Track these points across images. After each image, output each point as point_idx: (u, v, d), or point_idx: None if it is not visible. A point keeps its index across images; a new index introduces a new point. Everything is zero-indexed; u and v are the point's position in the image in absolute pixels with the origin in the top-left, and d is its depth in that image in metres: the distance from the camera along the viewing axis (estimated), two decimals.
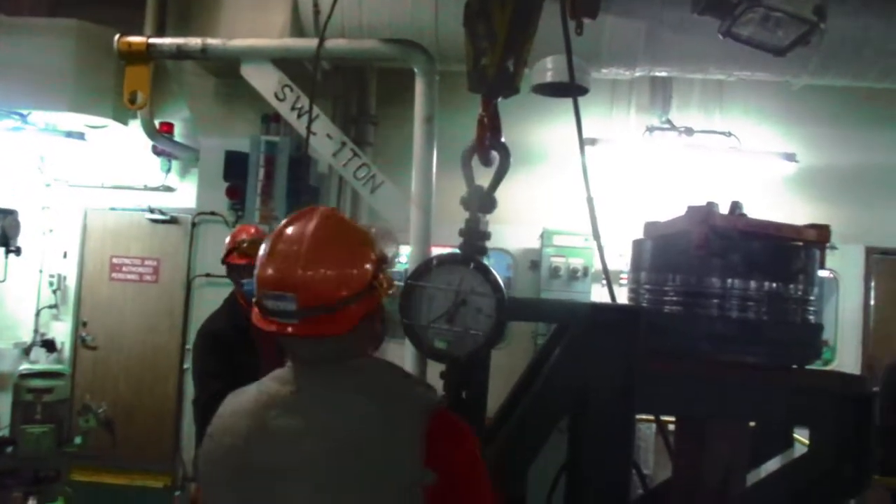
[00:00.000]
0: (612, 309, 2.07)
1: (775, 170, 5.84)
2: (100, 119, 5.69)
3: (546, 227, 6.00)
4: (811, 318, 2.20)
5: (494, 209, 2.11)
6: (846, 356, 6.31)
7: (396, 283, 1.66)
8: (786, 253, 2.20)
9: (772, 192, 5.96)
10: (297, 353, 1.56)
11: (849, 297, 6.35)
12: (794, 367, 2.17)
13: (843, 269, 6.23)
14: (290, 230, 1.52)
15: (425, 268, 2.01)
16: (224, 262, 3.52)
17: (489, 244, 2.09)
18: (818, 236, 2.30)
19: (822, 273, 2.57)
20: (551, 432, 2.16)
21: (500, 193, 2.14)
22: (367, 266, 1.52)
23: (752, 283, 2.14)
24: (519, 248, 6.23)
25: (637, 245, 2.45)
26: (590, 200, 2.48)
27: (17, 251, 4.55)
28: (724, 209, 2.26)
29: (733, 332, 2.11)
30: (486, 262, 2.04)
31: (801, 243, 2.24)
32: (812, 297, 2.23)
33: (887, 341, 6.51)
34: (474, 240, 2.04)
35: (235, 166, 5.12)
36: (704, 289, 2.17)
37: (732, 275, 2.16)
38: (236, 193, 5.19)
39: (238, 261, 3.44)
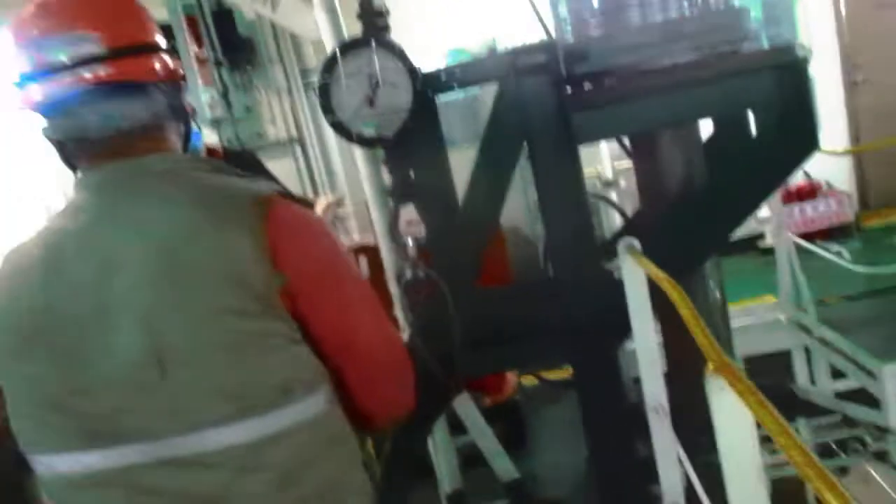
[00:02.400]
0: (528, 49, 2.04)
1: None
2: None
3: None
4: (729, 2, 2.16)
5: None
6: (824, 59, 6.21)
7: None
8: None
9: None
10: (83, 154, 1.26)
11: None
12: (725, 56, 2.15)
13: None
14: None
15: (332, 61, 1.98)
16: None
17: None
18: None
19: None
20: (505, 191, 2.22)
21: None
22: (156, 27, 1.31)
23: None
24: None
25: None
26: None
27: None
28: None
29: (655, 36, 2.08)
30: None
31: None
32: None
33: (862, 31, 6.38)
34: (371, 19, 1.99)
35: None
36: (618, 2, 2.12)
37: None
38: None
39: None
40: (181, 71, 1.36)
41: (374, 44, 1.93)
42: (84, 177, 1.27)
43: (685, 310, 1.46)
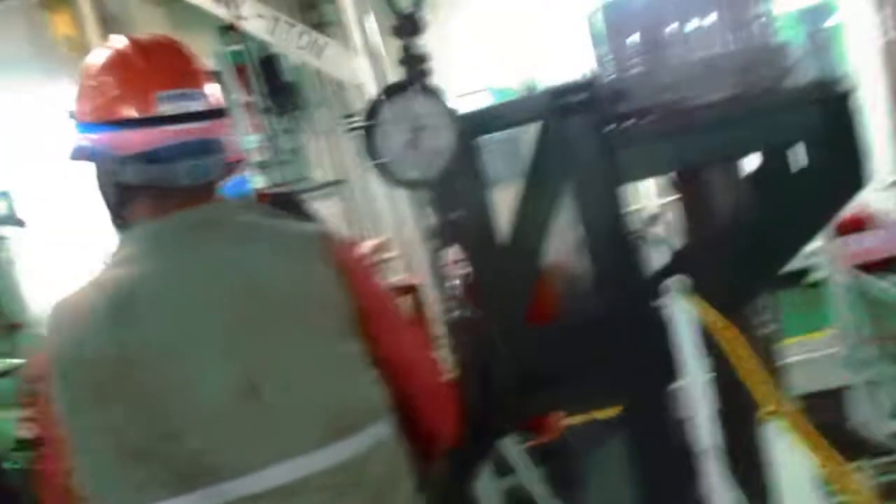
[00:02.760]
0: (568, 88, 2.05)
1: None
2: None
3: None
4: (771, 37, 2.14)
5: (423, 29, 2.08)
6: (870, 86, 6.06)
7: None
8: None
9: None
10: (157, 202, 1.26)
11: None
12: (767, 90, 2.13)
13: None
14: (136, 43, 1.29)
15: (376, 106, 2.02)
16: None
17: None
18: None
19: None
20: (550, 228, 2.21)
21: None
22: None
23: (703, 19, 2.08)
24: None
25: (590, 20, 2.39)
26: None
27: (21, 223, 4.65)
28: None
29: (696, 73, 2.07)
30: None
31: None
32: (768, 17, 2.16)
33: None
34: (413, 64, 2.03)
35: None
36: (659, 39, 2.12)
37: (683, 17, 2.11)
38: None
39: None
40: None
41: (416, 88, 1.96)
42: (142, 227, 1.28)
43: (738, 354, 1.44)
